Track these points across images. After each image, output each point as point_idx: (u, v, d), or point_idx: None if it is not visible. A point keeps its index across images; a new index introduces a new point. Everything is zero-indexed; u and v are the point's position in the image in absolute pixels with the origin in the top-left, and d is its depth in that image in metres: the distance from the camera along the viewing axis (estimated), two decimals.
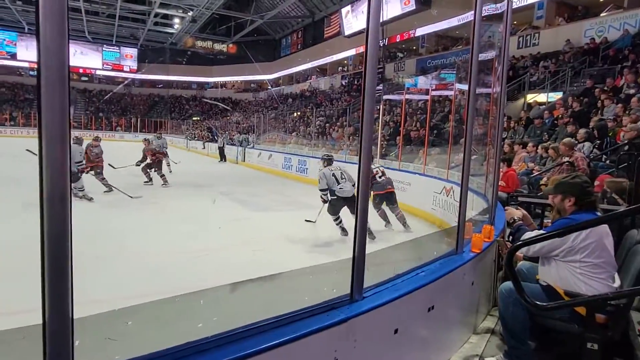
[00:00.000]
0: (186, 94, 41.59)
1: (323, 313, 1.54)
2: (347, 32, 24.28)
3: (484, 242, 2.69)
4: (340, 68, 28.47)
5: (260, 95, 37.07)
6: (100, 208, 7.03)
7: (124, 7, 28.97)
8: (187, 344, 1.24)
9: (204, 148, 22.61)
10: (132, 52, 39.76)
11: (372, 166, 6.36)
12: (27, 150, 7.41)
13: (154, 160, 9.80)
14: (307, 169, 11.74)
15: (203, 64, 39.23)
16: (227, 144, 18.63)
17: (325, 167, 5.83)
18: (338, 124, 15.38)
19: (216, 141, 20.03)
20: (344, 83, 26.01)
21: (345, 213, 5.48)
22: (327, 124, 16.23)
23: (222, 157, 18.09)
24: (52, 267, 0.99)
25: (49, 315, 1.00)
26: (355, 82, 23.84)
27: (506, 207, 3.12)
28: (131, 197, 7.78)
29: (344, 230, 5.61)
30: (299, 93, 30.40)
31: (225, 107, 30.97)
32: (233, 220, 6.47)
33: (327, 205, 5.67)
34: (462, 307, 2.51)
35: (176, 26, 33.38)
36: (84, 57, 37.70)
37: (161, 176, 9.83)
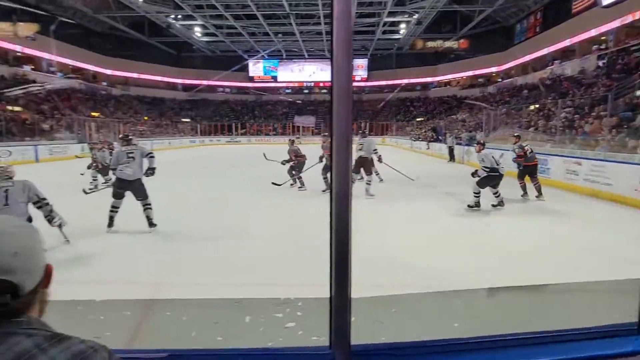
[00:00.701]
0: (411, 95, 42.85)
1: (602, 339, 1.29)
2: (605, 2, 19.81)
3: None
4: (595, 47, 23.39)
5: (489, 90, 34.45)
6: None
7: (357, 22, 32.18)
8: (443, 340, 1.26)
9: (428, 148, 22.71)
10: (363, 62, 43.93)
11: (524, 143, 8.40)
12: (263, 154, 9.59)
13: (296, 162, 9.79)
14: (548, 169, 10.18)
15: (427, 64, 39.57)
16: (455, 143, 18.14)
17: (482, 150, 7.20)
18: (592, 114, 12.72)
19: (440, 141, 19.80)
20: (601, 64, 21.24)
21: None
22: (575, 116, 13.68)
23: (452, 157, 17.74)
24: (338, 253, 1.18)
25: (334, 293, 1.19)
26: (620, 61, 19.13)
27: None
28: (413, 179, 9.84)
29: (477, 205, 6.96)
30: (536, 83, 26.72)
31: (483, 105, 29.14)
32: (462, 222, 6.26)
33: (480, 179, 6.92)
34: None
35: (402, 31, 34.81)
36: (322, 73, 44.24)
37: (298, 178, 9.70)
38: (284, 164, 9.83)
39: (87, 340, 0.73)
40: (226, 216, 6.71)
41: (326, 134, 10.14)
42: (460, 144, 17.77)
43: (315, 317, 1.36)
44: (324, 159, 9.35)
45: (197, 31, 35.51)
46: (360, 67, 44.17)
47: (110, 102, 34.59)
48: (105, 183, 9.23)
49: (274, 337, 1.32)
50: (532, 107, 18.69)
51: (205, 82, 42.81)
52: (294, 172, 9.71)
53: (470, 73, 37.72)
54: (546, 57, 27.89)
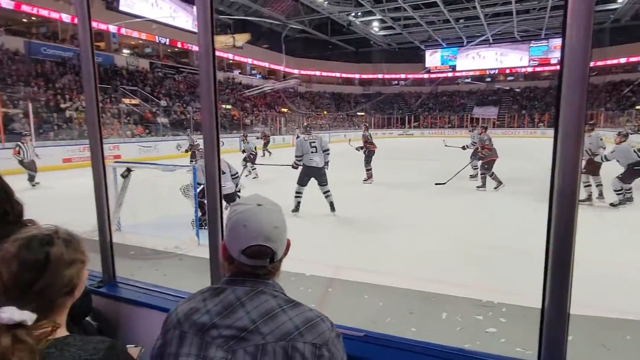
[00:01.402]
0: (629, 78, 34.54)
1: None
2: None
3: None
4: None
5: None
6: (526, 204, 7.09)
7: None
8: None
9: None
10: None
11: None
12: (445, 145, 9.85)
13: (366, 150, 9.65)
14: None
15: None
16: None
17: (622, 142, 7.03)
18: None
19: None
20: None
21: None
22: None
23: None
24: (557, 260, 1.03)
25: (548, 304, 1.06)
26: None
27: None
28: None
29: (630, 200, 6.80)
30: None
31: None
32: None
33: (623, 174, 6.78)
34: None
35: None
36: (504, 58, 39.67)
37: (367, 170, 9.71)
38: (358, 151, 9.99)
39: (314, 309, 0.84)
40: (399, 208, 6.75)
41: (484, 125, 9.49)
42: None
43: (521, 326, 1.24)
44: (481, 154, 8.69)
45: (375, 26, 36.42)
46: (558, 49, 37.69)
47: (296, 98, 38.84)
48: (249, 168, 10.47)
49: (472, 340, 1.25)
50: None
51: (380, 76, 43.90)
52: (369, 166, 9.74)
53: None
54: None
